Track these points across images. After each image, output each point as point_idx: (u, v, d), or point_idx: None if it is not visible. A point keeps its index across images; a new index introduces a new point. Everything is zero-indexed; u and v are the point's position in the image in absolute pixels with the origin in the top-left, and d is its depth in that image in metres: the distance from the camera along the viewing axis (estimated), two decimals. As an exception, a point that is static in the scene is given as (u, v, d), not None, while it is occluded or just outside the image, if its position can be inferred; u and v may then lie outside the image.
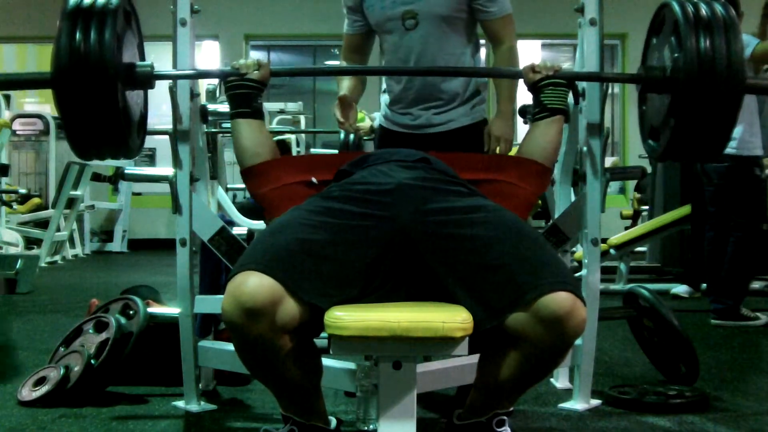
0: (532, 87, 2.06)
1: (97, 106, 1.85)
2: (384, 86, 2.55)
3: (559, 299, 1.52)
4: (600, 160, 2.31)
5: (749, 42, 3.88)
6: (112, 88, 1.85)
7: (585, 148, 2.34)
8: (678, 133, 1.93)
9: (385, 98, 2.53)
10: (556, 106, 2.03)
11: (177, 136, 2.28)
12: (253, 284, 1.52)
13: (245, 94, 2.04)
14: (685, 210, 5.21)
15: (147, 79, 2.04)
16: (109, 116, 1.87)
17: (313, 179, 1.94)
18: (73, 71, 1.82)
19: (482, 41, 2.55)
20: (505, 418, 1.72)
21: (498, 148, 2.35)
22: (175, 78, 2.24)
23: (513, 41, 2.41)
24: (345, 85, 2.39)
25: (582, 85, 2.36)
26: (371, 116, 4.84)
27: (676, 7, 1.93)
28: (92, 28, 1.84)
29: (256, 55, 11.24)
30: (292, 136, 7.19)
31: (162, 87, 2.29)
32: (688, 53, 1.86)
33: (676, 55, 1.91)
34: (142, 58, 2.14)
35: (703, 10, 1.90)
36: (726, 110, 1.89)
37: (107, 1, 1.90)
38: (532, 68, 2.05)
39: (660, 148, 2.05)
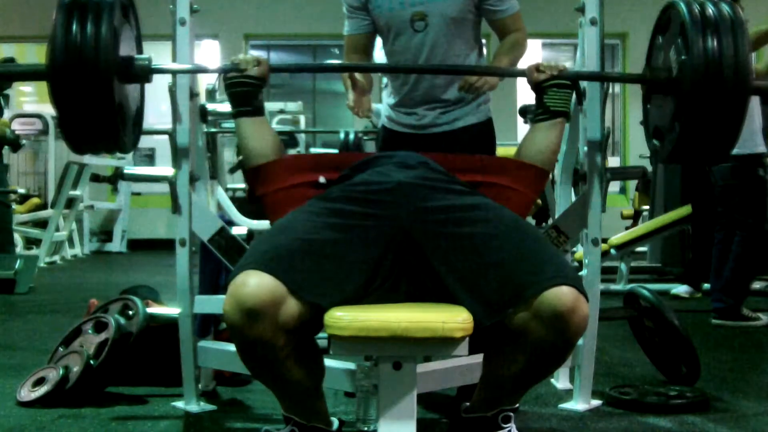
0: (536, 87, 2.03)
1: (91, 100, 1.83)
2: (384, 82, 2.54)
3: (560, 295, 1.52)
4: (600, 160, 2.31)
5: None
6: (107, 82, 1.83)
7: (585, 148, 2.33)
8: (684, 137, 1.90)
9: (388, 99, 2.52)
10: (559, 108, 2.00)
11: (177, 135, 2.28)
12: (254, 284, 1.51)
13: (245, 92, 2.01)
14: (685, 210, 5.21)
15: (144, 74, 2.01)
16: (103, 111, 1.85)
17: (321, 179, 1.91)
18: (68, 65, 1.80)
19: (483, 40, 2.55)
20: (511, 414, 1.72)
21: (472, 79, 2.25)
22: (173, 72, 2.22)
23: (522, 33, 2.41)
24: (357, 75, 2.38)
25: (583, 84, 2.36)
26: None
27: (683, 7, 1.89)
28: (88, 22, 1.82)
29: (255, 54, 11.26)
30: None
31: (162, 86, 2.29)
32: (694, 55, 1.82)
33: (682, 57, 1.88)
34: (140, 50, 2.11)
35: (710, 10, 1.87)
36: (732, 113, 1.85)
37: None
38: (537, 68, 2.02)
39: (665, 150, 2.02)
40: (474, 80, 2.19)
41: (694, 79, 1.83)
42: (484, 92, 2.23)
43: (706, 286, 4.92)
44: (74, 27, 1.82)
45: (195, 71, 2.30)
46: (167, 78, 2.27)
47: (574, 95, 2.07)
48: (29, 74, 2.09)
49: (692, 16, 1.86)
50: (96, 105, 1.84)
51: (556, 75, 2.00)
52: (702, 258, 4.79)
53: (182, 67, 2.24)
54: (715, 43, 1.82)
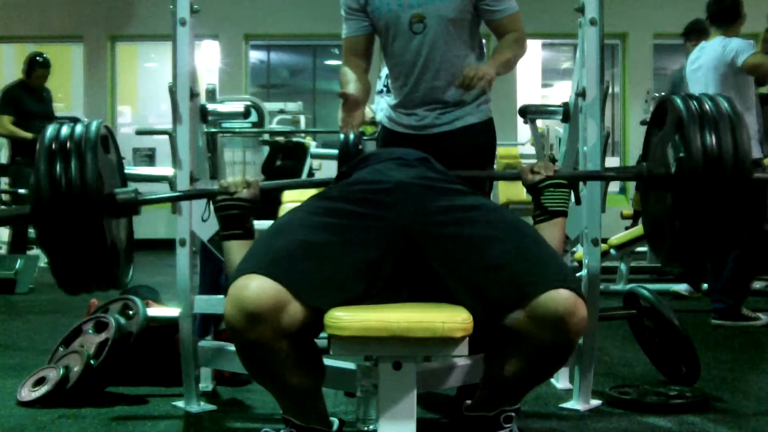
0: (532, 188, 1.96)
1: (82, 244, 1.76)
2: (380, 86, 2.52)
3: (558, 298, 1.52)
4: (600, 160, 2.31)
5: (743, 48, 3.88)
6: (97, 224, 1.77)
7: (585, 148, 2.33)
8: (684, 235, 1.84)
9: (388, 99, 2.52)
10: (557, 208, 1.92)
11: (177, 136, 2.28)
12: (256, 288, 1.51)
13: (236, 215, 1.89)
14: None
15: (131, 207, 1.93)
16: (95, 253, 1.79)
17: None
18: (54, 208, 1.74)
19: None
20: (512, 414, 1.72)
21: (470, 74, 2.13)
22: (161, 202, 2.15)
23: (521, 33, 2.37)
24: (351, 88, 2.35)
25: (582, 84, 2.36)
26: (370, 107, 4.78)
27: (679, 103, 1.84)
28: (72, 162, 1.76)
29: (256, 55, 11.25)
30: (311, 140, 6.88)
31: (161, 86, 2.29)
32: (692, 153, 1.76)
33: (680, 154, 1.81)
34: (123, 179, 2.04)
35: (707, 106, 1.82)
36: (733, 210, 1.79)
37: (85, 130, 1.82)
38: (531, 169, 1.96)
39: (666, 248, 1.95)
40: (472, 74, 2.15)
41: (693, 177, 1.76)
42: (483, 87, 2.16)
43: (706, 286, 4.92)
44: (57, 167, 1.75)
45: (185, 198, 2.23)
46: (167, 78, 2.27)
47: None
48: (13, 218, 2.05)
49: (689, 112, 1.80)
50: (87, 248, 1.77)
51: (551, 175, 1.93)
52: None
53: (168, 195, 2.20)
54: (713, 139, 1.76)
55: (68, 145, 1.78)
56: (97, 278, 1.88)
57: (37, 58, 6.24)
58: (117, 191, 1.89)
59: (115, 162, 2.00)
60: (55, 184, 1.74)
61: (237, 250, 1.84)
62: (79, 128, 1.83)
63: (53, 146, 1.79)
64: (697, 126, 1.78)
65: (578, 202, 2.12)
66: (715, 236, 1.84)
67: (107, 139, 1.94)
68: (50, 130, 1.83)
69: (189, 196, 2.22)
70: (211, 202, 1.96)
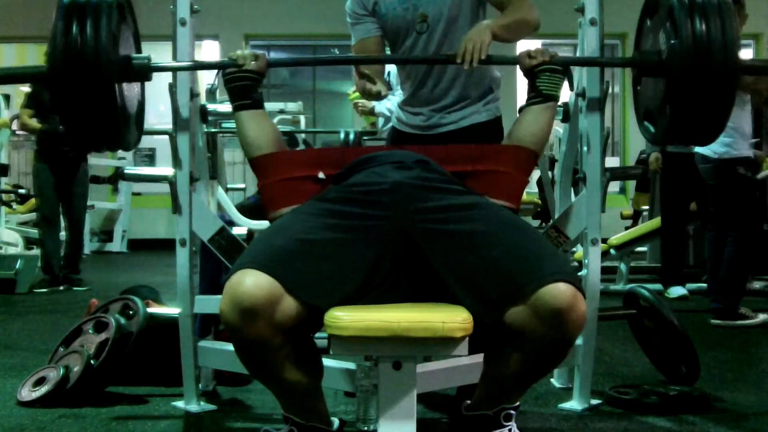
0: (528, 72, 2.07)
1: (93, 101, 1.86)
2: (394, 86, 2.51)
3: (557, 292, 1.52)
4: (600, 160, 2.31)
5: None
6: (108, 82, 1.86)
7: (585, 148, 2.33)
8: (676, 118, 1.94)
9: (395, 98, 2.54)
10: (551, 92, 2.05)
11: (177, 136, 2.28)
12: (251, 283, 1.51)
13: (244, 86, 2.04)
14: (684, 210, 5.21)
15: (144, 72, 2.04)
16: (105, 111, 1.88)
17: (321, 174, 1.93)
18: (69, 66, 1.83)
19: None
20: (512, 412, 1.72)
21: (465, 48, 2.10)
22: (172, 69, 2.24)
23: (527, 2, 2.27)
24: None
25: (583, 84, 2.36)
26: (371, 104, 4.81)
27: None
28: (87, 24, 1.84)
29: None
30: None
31: (162, 86, 2.29)
32: (683, 38, 1.87)
33: (671, 40, 1.92)
34: (138, 49, 2.14)
35: None
36: (723, 93, 1.90)
37: None
38: (528, 54, 2.06)
39: (658, 132, 2.07)
40: (470, 48, 2.11)
41: (684, 61, 1.87)
42: (482, 56, 2.10)
43: (695, 287, 4.97)
44: (73, 29, 1.84)
45: (193, 68, 2.31)
46: (167, 78, 2.27)
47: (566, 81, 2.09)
48: (30, 76, 2.11)
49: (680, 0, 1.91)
50: (98, 105, 1.87)
51: (547, 60, 2.04)
52: (675, 257, 4.93)
53: (181, 64, 2.25)
54: (704, 24, 1.87)
55: (85, 6, 1.87)
56: (105, 137, 1.98)
57: None
58: (132, 56, 2.02)
59: (131, 31, 2.09)
60: (70, 43, 1.83)
61: (247, 119, 2.02)
62: None
63: (70, 7, 1.87)
64: (687, 12, 1.89)
65: (572, 87, 2.18)
66: (707, 117, 1.94)
67: (124, 9, 2.04)
68: None
69: (200, 66, 2.33)
70: (221, 74, 2.09)
